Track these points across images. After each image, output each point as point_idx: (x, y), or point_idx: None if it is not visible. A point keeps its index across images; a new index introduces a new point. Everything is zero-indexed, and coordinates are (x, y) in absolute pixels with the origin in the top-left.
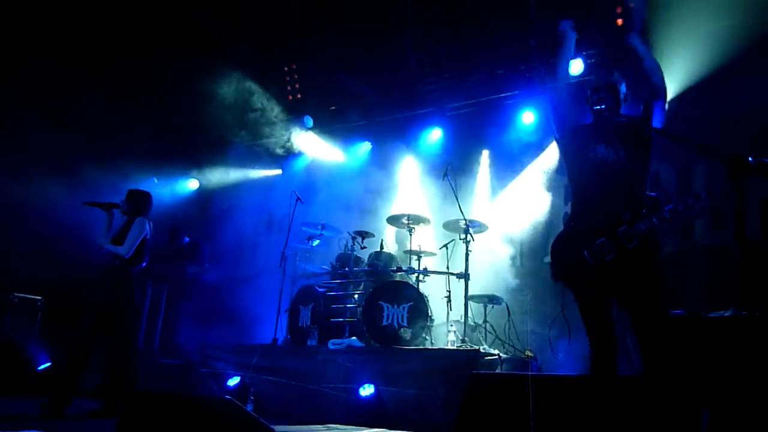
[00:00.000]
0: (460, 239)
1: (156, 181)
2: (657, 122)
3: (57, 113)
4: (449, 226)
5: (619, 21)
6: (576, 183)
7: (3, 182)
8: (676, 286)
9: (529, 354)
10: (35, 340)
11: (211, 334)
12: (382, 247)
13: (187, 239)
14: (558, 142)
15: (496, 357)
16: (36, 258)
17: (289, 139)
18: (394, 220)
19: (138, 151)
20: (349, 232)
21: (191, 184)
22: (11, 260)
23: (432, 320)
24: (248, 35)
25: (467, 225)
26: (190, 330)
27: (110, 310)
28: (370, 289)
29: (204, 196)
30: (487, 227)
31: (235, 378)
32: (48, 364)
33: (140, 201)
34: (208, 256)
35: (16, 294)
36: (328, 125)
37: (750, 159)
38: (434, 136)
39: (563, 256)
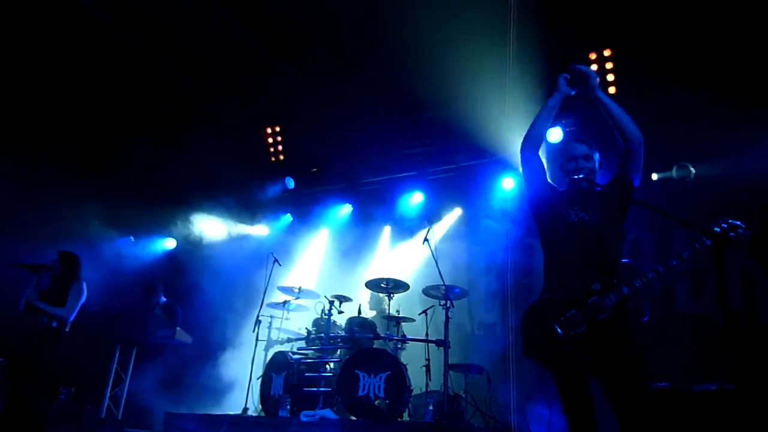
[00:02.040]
0: (440, 305)
1: (133, 239)
2: (635, 172)
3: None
4: (429, 291)
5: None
6: (548, 250)
7: None
8: (660, 355)
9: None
10: None
11: (179, 402)
12: (360, 312)
13: (163, 299)
14: (530, 204)
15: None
16: None
17: (269, 200)
18: (373, 284)
19: (111, 210)
20: (326, 296)
21: (168, 243)
22: None
23: (411, 391)
24: (230, 93)
25: (446, 291)
26: (157, 397)
27: (31, 367)
28: (347, 357)
29: (180, 255)
30: (468, 293)
31: None
32: None
33: (73, 263)
34: (181, 319)
35: None
36: (311, 187)
37: (732, 235)
38: (415, 199)
39: (532, 330)
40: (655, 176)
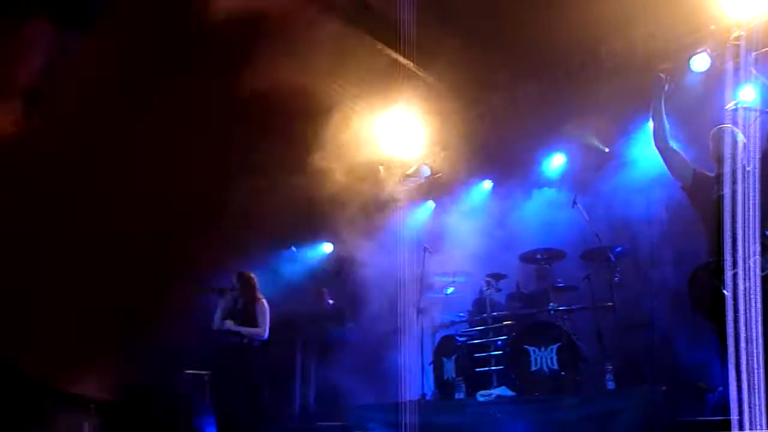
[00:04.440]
0: (603, 268)
1: (295, 249)
2: None
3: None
4: (588, 255)
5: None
6: (707, 225)
7: None
8: None
9: (703, 386)
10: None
11: (360, 394)
12: (518, 287)
13: (330, 302)
14: (682, 188)
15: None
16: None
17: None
18: (527, 257)
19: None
20: (482, 276)
21: (326, 248)
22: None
23: (585, 360)
24: None
25: (608, 251)
26: (341, 391)
27: (232, 378)
28: (513, 334)
29: (338, 257)
30: (631, 249)
31: None
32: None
33: (251, 282)
34: (350, 317)
35: (187, 371)
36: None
37: None
38: (556, 163)
39: (699, 288)
40: None
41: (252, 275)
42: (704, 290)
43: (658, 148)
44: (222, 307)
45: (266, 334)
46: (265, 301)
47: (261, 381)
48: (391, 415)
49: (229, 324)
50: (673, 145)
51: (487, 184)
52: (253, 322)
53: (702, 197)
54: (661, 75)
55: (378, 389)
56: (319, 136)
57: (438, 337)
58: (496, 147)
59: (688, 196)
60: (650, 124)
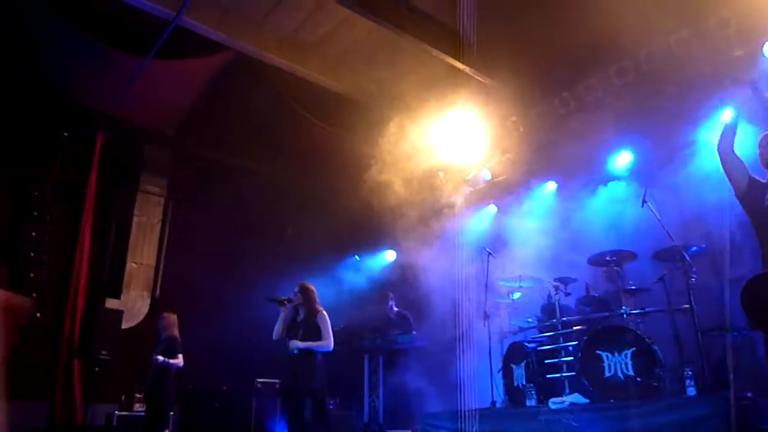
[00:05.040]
0: (677, 268)
1: (358, 258)
2: None
3: None
4: (661, 255)
5: None
6: (760, 233)
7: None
8: None
9: None
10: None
11: (428, 402)
12: (588, 291)
13: (395, 309)
14: (736, 196)
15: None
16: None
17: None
18: (596, 259)
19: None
20: (549, 281)
21: (388, 255)
22: (249, 353)
23: (662, 365)
24: None
25: (682, 250)
26: (409, 399)
27: (299, 388)
28: (584, 339)
29: (401, 264)
30: (707, 248)
31: None
32: None
33: (311, 293)
34: (415, 324)
35: (258, 380)
36: (509, 172)
37: None
38: (622, 160)
39: (757, 303)
40: None
41: (311, 287)
42: (761, 303)
43: (720, 152)
44: (283, 318)
45: (331, 346)
46: (325, 313)
47: (326, 389)
48: (459, 423)
49: (296, 343)
50: (735, 152)
51: (551, 185)
52: (315, 333)
53: (753, 204)
54: (751, 81)
55: (446, 396)
56: (377, 145)
57: (506, 343)
58: (559, 146)
59: (741, 203)
60: (720, 127)
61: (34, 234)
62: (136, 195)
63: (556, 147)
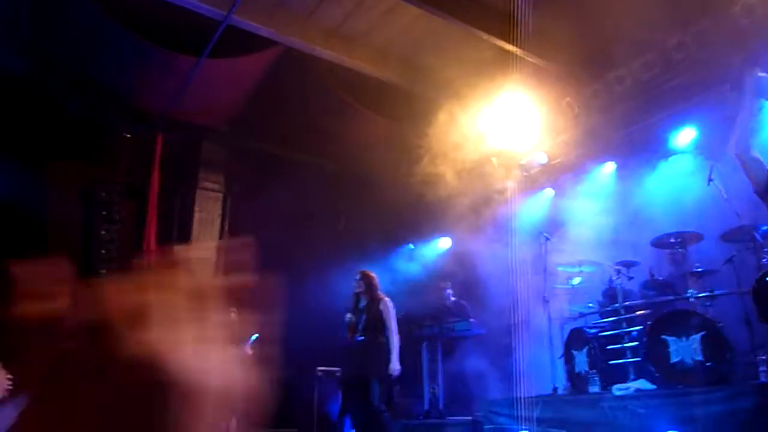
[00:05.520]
0: (747, 249)
1: (412, 246)
2: None
3: None
4: (729, 236)
5: None
6: None
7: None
8: None
9: None
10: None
11: (488, 389)
12: (651, 274)
13: (452, 299)
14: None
15: None
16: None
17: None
18: (660, 241)
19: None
20: (611, 265)
21: (443, 243)
22: (307, 342)
23: (733, 350)
24: None
25: (753, 230)
26: (469, 386)
27: (373, 379)
28: (649, 323)
29: (457, 251)
30: None
31: None
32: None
33: (373, 280)
34: (471, 312)
35: (319, 368)
36: (564, 154)
37: None
38: (685, 137)
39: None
40: None
41: (373, 274)
42: None
43: (737, 155)
44: (351, 308)
45: (397, 336)
46: (388, 300)
47: (390, 378)
48: (521, 410)
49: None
50: (754, 152)
51: (610, 166)
52: (378, 321)
53: None
54: (762, 75)
55: (506, 383)
56: (428, 133)
57: (566, 329)
58: (616, 126)
59: (762, 199)
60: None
61: (103, 233)
62: (195, 192)
63: (613, 126)
